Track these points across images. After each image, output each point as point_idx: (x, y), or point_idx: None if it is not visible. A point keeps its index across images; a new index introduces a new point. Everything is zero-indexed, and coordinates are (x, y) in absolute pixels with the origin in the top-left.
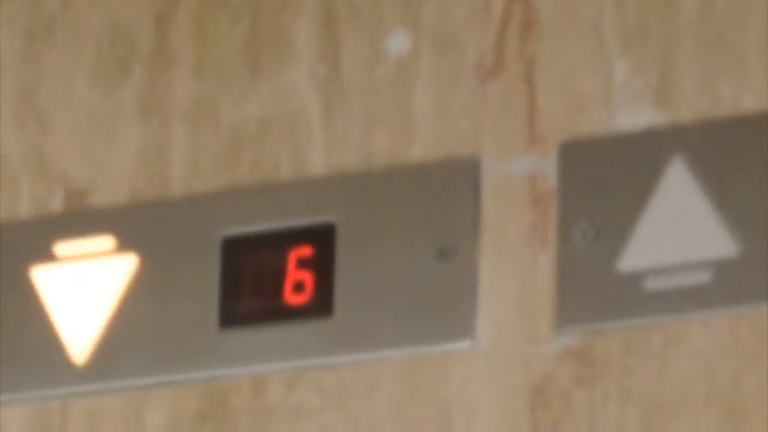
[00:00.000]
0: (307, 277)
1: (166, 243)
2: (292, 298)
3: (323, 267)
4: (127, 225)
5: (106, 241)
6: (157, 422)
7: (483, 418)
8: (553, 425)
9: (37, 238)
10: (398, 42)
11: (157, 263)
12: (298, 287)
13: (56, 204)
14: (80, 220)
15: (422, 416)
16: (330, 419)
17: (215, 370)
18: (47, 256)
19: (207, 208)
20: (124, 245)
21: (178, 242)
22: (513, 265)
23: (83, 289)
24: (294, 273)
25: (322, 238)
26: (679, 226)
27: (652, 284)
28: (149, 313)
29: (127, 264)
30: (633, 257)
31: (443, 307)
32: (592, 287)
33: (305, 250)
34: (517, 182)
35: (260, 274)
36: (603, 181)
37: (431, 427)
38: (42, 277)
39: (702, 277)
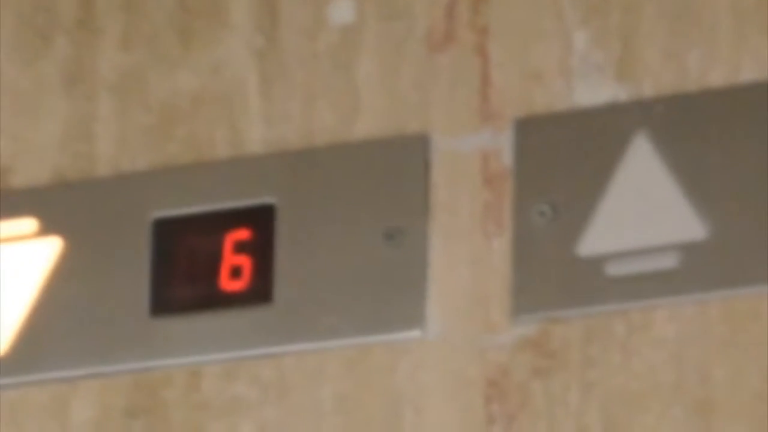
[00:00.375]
0: (244, 262)
1: (93, 225)
2: (228, 284)
3: (262, 251)
4: (51, 206)
5: (28, 224)
6: (83, 417)
7: (434, 412)
8: (509, 419)
9: None
10: (342, 10)
11: (83, 247)
12: (235, 272)
13: None
14: (0, 201)
15: (369, 410)
16: (270, 413)
17: (146, 360)
18: None
19: (137, 188)
20: (47, 228)
21: (106, 224)
22: (465, 249)
23: (4, 274)
24: (231, 257)
25: (261, 220)
26: (643, 207)
27: (615, 269)
28: (75, 300)
29: (51, 247)
30: (594, 240)
31: (391, 293)
32: (550, 272)
33: (243, 233)
34: (469, 160)
35: (194, 258)
36: (562, 159)
37: (378, 422)
38: None
39: (668, 262)
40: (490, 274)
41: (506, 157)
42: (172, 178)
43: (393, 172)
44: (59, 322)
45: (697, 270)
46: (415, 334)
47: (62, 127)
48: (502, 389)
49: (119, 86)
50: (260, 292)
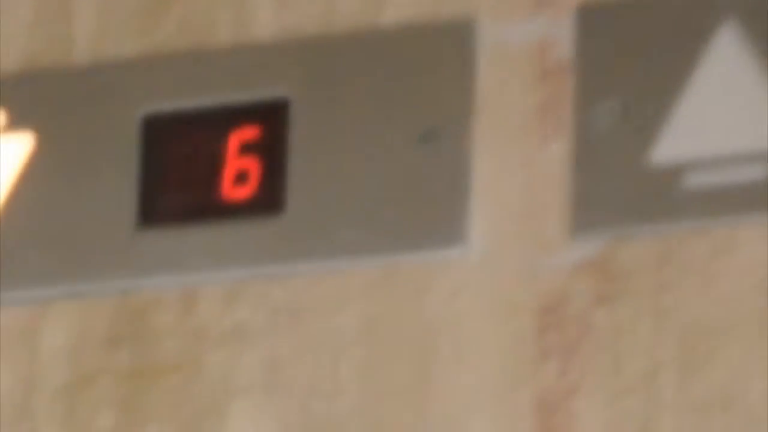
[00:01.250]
0: (251, 165)
1: (70, 121)
2: (232, 191)
3: (272, 152)
4: (21, 97)
5: None
6: (56, 344)
7: (477, 344)
8: (567, 352)
9: None
10: None
11: (58, 144)
12: (241, 178)
13: None
14: None
15: (398, 341)
16: (279, 344)
17: (132, 279)
18: None
19: (122, 79)
20: (16, 121)
21: (86, 120)
22: (517, 154)
23: None
24: (235, 160)
25: (272, 116)
26: (729, 109)
27: (695, 180)
28: (48, 206)
29: (21, 144)
30: (671, 146)
31: (426, 203)
32: (618, 182)
33: (250, 132)
34: (522, 51)
35: (191, 161)
36: (633, 50)
37: (409, 355)
38: None
39: (758, 172)
40: (545, 183)
41: (566, 48)
42: (164, 68)
43: (430, 65)
44: (28, 233)
45: None
46: (454, 251)
47: (34, 5)
48: (559, 318)
49: None
50: (270, 200)
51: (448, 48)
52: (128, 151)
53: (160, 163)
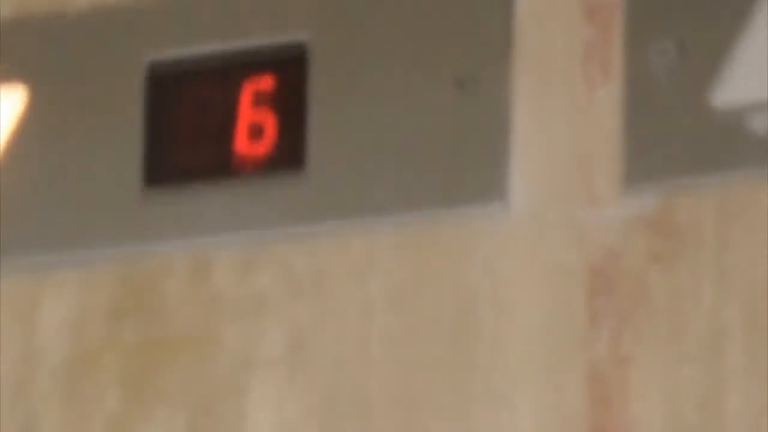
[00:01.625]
0: (267, 119)
1: (67, 70)
2: (246, 146)
3: (290, 104)
4: (14, 46)
5: None
6: (56, 317)
7: (521, 311)
8: (620, 318)
9: None
10: None
11: (55, 97)
12: (255, 132)
13: None
14: None
15: (433, 309)
16: (301, 312)
17: (138, 245)
18: None
19: (125, 25)
20: (9, 73)
21: (85, 70)
22: (561, 100)
23: None
24: (249, 112)
25: (288, 64)
26: None
27: (760, 124)
28: (44, 165)
29: (14, 98)
30: (732, 88)
31: (463, 156)
32: (674, 129)
33: (265, 82)
34: None
35: (202, 113)
36: None
37: (446, 323)
38: None
39: None
40: (593, 131)
41: None
42: (170, 12)
43: (464, 3)
44: (23, 196)
45: None
46: (494, 208)
47: None
48: (611, 280)
49: None
50: (288, 156)
51: None
52: (132, 104)
53: (168, 116)
